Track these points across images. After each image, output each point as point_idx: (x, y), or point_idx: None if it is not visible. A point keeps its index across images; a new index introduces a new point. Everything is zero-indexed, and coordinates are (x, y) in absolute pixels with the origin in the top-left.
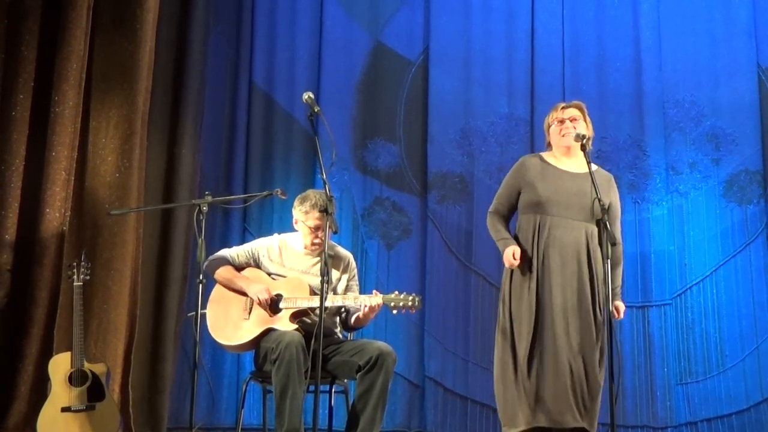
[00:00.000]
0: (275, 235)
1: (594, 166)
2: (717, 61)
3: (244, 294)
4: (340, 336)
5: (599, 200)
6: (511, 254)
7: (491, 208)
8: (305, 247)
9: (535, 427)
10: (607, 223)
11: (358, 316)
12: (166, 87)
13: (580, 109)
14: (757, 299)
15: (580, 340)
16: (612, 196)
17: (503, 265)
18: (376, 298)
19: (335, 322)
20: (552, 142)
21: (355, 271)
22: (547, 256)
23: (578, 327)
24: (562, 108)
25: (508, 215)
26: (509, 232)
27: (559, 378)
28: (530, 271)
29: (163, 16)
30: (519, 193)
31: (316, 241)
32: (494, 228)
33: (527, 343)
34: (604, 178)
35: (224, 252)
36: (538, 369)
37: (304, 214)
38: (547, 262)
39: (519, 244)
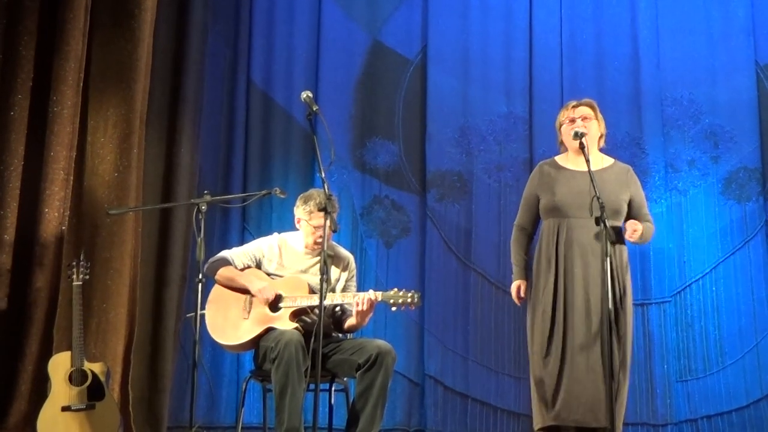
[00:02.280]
0: (275, 234)
1: (610, 161)
2: (715, 59)
3: (246, 292)
4: (339, 334)
5: (597, 198)
6: (515, 291)
7: (515, 221)
8: (306, 247)
9: (557, 426)
10: (606, 220)
11: (351, 323)
12: (165, 86)
13: (592, 107)
14: (756, 296)
15: (600, 339)
16: (632, 188)
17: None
18: (373, 294)
19: (332, 324)
20: (564, 142)
21: (355, 272)
22: (569, 259)
23: (599, 327)
24: (573, 107)
25: (531, 229)
26: (528, 255)
27: (579, 378)
28: (549, 274)
29: (161, 15)
30: (537, 201)
31: (319, 240)
32: (513, 249)
33: (541, 347)
34: (621, 171)
35: (224, 253)
36: (558, 370)
37: (307, 214)
38: (569, 265)
39: (541, 250)
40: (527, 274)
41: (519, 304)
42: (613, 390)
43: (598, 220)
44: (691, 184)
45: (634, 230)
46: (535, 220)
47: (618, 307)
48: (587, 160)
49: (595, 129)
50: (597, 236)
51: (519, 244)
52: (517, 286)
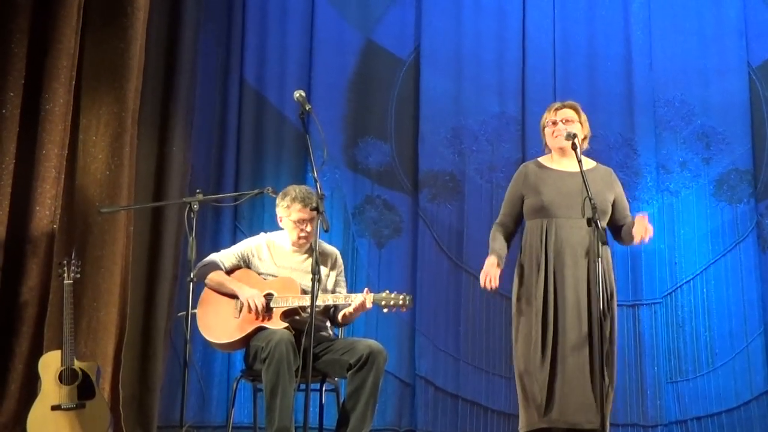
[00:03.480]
0: (261, 234)
1: (592, 163)
2: (707, 61)
3: (236, 297)
4: (331, 333)
5: (590, 199)
6: (484, 277)
7: (497, 220)
8: (293, 244)
9: (547, 427)
10: (598, 221)
11: (344, 313)
12: (157, 85)
13: (575, 109)
14: (747, 298)
15: (591, 339)
16: (616, 189)
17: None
18: (367, 298)
19: (326, 320)
20: (547, 143)
21: (342, 266)
22: (559, 258)
23: (589, 327)
24: (556, 109)
25: (512, 227)
26: (505, 247)
27: (572, 379)
28: (539, 274)
29: (154, 13)
30: (522, 201)
31: (302, 234)
32: (492, 238)
33: (535, 349)
34: (605, 173)
35: (213, 257)
36: (551, 372)
37: (286, 209)
38: (559, 265)
39: (527, 250)
40: (503, 262)
41: (487, 286)
42: (605, 391)
43: (590, 221)
44: (682, 186)
45: (646, 228)
46: (518, 220)
47: (607, 309)
48: (579, 161)
49: (578, 131)
50: (585, 237)
51: (500, 236)
52: (485, 274)
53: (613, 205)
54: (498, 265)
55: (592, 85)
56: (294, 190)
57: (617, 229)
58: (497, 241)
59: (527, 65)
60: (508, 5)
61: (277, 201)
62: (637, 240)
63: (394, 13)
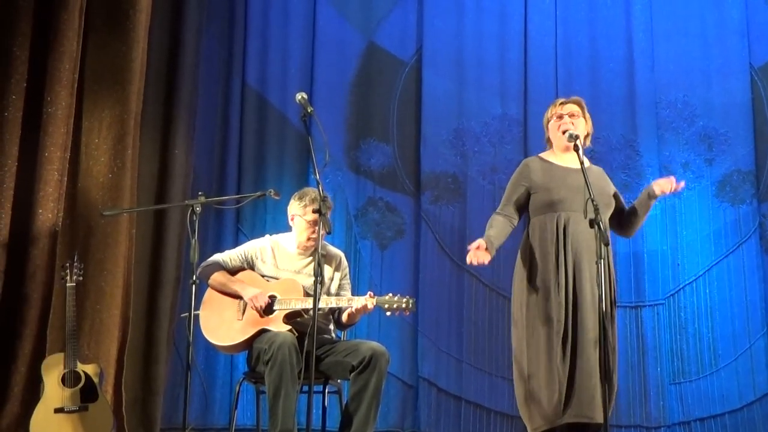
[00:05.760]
0: (267, 236)
1: (587, 162)
2: (709, 62)
3: (239, 297)
4: (334, 336)
5: (592, 201)
6: (474, 247)
7: (497, 210)
8: (298, 246)
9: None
10: (600, 223)
11: (348, 313)
12: (159, 87)
13: (579, 105)
14: (749, 299)
15: (604, 335)
16: (611, 183)
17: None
18: (369, 300)
19: (329, 322)
20: (551, 138)
21: (348, 269)
22: (577, 252)
23: (601, 322)
24: (561, 103)
25: (515, 215)
26: (502, 236)
27: (591, 373)
28: (557, 268)
29: (156, 16)
30: (527, 194)
31: (313, 236)
32: (488, 225)
33: (555, 344)
34: (600, 169)
35: (217, 257)
36: (569, 366)
37: (302, 209)
38: (578, 258)
39: (534, 247)
40: (494, 249)
41: (474, 260)
42: (614, 388)
43: (592, 223)
44: (685, 187)
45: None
46: (520, 211)
47: (611, 309)
48: (581, 162)
49: (582, 127)
50: (593, 233)
51: (498, 223)
52: (476, 244)
53: (615, 198)
54: (485, 248)
55: (594, 86)
56: (313, 192)
57: (620, 217)
58: (493, 228)
59: (529, 67)
60: (509, 7)
61: (292, 201)
62: (666, 189)
63: (396, 14)
